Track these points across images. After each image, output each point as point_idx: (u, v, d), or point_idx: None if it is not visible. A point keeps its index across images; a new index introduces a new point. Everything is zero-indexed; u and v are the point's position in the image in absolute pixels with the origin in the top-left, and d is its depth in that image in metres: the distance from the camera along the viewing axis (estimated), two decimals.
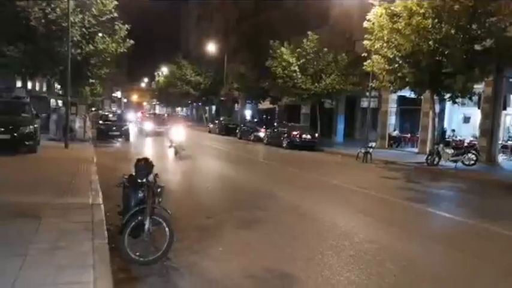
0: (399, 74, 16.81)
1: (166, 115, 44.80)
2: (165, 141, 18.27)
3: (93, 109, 47.13)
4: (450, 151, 16.54)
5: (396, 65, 16.71)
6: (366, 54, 18.26)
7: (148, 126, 29.89)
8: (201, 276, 4.60)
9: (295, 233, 6.56)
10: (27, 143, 12.70)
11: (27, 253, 4.32)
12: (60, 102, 22.43)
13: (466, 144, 19.31)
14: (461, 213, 8.87)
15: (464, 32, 14.79)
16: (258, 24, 36.99)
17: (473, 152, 16.57)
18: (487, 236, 7.12)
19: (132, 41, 20.89)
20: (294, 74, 25.47)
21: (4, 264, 4.02)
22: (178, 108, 70.07)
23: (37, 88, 37.39)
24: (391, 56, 16.52)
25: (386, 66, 17.04)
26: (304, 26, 27.38)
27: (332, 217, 7.73)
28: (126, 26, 20.47)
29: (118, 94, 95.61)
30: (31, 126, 13.03)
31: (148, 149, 20.46)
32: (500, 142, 18.86)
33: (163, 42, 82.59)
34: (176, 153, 15.57)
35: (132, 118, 36.98)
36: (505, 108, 18.58)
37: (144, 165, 5.03)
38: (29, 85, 30.05)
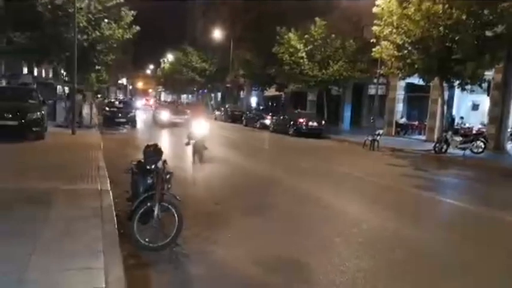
0: (408, 61, 16.60)
1: (179, 103, 43.66)
2: (181, 133, 15.71)
3: (98, 96, 47.14)
4: (458, 139, 16.40)
5: (405, 51, 16.48)
6: (374, 41, 17.97)
7: (164, 116, 26.55)
8: (210, 262, 4.61)
9: (303, 219, 6.56)
10: (34, 129, 12.73)
11: (37, 239, 4.35)
12: (66, 89, 22.42)
13: (474, 131, 19.09)
14: (469, 200, 8.81)
15: (476, 18, 14.49)
16: (265, 11, 36.50)
17: (482, 139, 16.38)
18: (496, 224, 7.07)
19: (138, 27, 20.77)
20: (301, 61, 25.22)
21: (15, 250, 4.04)
22: (184, 95, 69.94)
23: (43, 75, 37.44)
24: (400, 42, 16.29)
25: (395, 52, 16.81)
26: (312, 12, 27.00)
27: (339, 204, 7.71)
28: (132, 12, 20.33)
29: (124, 81, 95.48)
30: (38, 113, 13.05)
31: (156, 137, 20.44)
32: (509, 130, 18.63)
33: (169, 29, 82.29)
34: (195, 152, 11.49)
35: (139, 105, 36.57)
36: None
37: (153, 152, 5.03)
38: (35, 71, 30.08)
